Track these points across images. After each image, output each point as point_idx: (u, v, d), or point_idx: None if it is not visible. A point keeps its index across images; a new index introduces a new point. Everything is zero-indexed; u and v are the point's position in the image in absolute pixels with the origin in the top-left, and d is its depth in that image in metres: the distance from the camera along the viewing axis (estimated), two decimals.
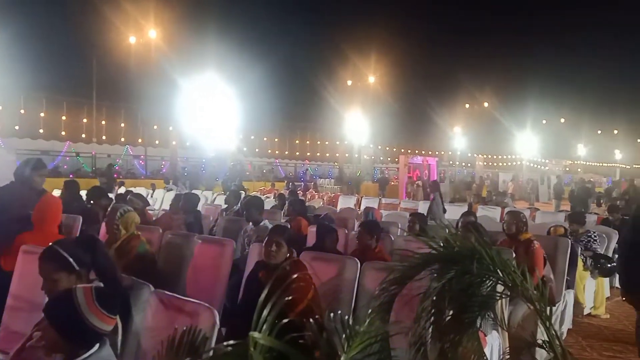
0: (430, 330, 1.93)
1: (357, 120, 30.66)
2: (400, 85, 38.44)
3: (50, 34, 30.98)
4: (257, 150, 38.65)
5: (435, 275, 1.94)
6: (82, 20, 28.51)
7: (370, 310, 1.92)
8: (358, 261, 3.69)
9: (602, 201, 16.87)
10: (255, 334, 1.36)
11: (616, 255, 6.48)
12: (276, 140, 43.72)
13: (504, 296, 2.00)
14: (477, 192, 21.47)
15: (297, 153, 43.70)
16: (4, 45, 20.01)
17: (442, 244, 1.98)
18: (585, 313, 6.22)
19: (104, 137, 32.41)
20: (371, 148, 33.03)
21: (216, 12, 34.83)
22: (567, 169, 44.41)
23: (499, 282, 1.91)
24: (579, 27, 69.85)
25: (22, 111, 30.39)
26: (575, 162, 51.05)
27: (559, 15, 70.13)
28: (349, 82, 33.07)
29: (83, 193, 7.00)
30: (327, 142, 44.21)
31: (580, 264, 5.86)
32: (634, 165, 50.94)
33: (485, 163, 38.14)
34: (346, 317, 1.64)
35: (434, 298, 1.91)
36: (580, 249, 5.97)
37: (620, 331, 5.72)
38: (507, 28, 69.53)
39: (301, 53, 45.79)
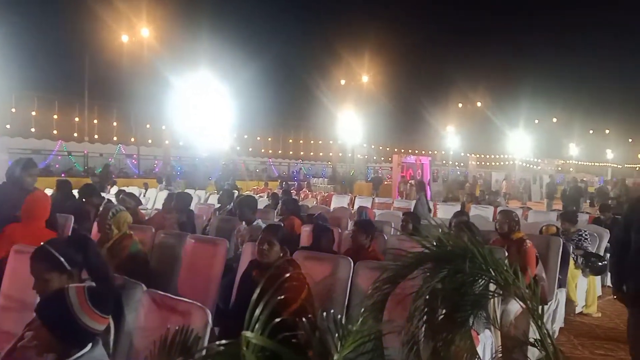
0: (423, 329, 1.93)
1: (351, 120, 30.66)
2: (393, 85, 38.53)
3: (42, 32, 30.79)
4: (250, 149, 38.56)
5: (428, 274, 1.94)
6: (74, 18, 28.39)
7: (363, 309, 1.93)
8: (351, 260, 3.69)
9: (595, 201, 16.99)
10: (248, 334, 1.35)
11: (607, 254, 6.52)
12: (269, 139, 43.63)
13: (496, 295, 2.00)
14: (470, 191, 21.51)
15: (291, 152, 43.65)
16: None
17: (435, 243, 1.99)
18: (577, 312, 6.26)
19: (96, 136, 32.20)
20: (364, 147, 33.07)
21: (209, 10, 34.72)
22: (560, 168, 44.66)
23: (492, 281, 1.92)
24: (572, 28, 70.23)
25: (14, 110, 30.14)
26: (568, 161, 51.33)
27: (553, 16, 70.46)
28: (343, 82, 33.09)
29: (75, 193, 6.97)
30: (320, 142, 44.20)
31: (571, 262, 5.90)
32: (626, 165, 51.29)
33: (478, 162, 38.27)
34: (339, 316, 1.64)
35: (427, 297, 1.91)
36: (571, 247, 6.00)
37: (612, 329, 5.76)
38: (501, 28, 69.79)
39: (294, 52, 45.72)
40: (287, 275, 2.91)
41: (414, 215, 6.38)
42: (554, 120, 50.99)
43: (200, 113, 23.55)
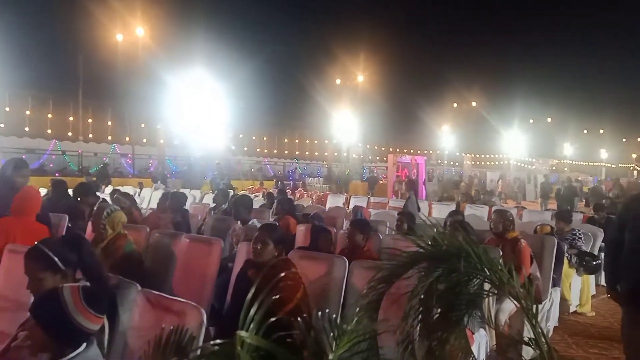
0: (417, 328, 1.93)
1: (346, 119, 30.68)
2: (389, 85, 38.57)
3: (36, 31, 30.66)
4: (245, 149, 38.53)
5: (423, 273, 1.94)
6: (68, 17, 28.27)
7: (358, 309, 1.92)
8: (346, 260, 3.69)
9: (589, 200, 17.06)
10: (243, 333, 1.35)
11: (601, 254, 6.55)
12: (265, 138, 43.62)
13: (491, 294, 2.00)
14: (465, 191, 21.58)
15: (286, 152, 43.66)
16: None
17: (429, 243, 1.99)
18: (571, 311, 6.28)
19: (90, 136, 32.14)
20: (360, 147, 33.04)
21: (204, 9, 34.66)
22: (554, 168, 44.82)
23: (486, 280, 1.92)
24: (567, 28, 70.63)
25: (7, 109, 30.01)
26: (562, 161, 51.50)
27: (548, 16, 70.74)
28: (338, 81, 33.09)
29: (70, 192, 6.94)
30: (316, 141, 44.22)
31: (565, 261, 5.92)
32: (620, 165, 51.51)
33: (473, 162, 38.35)
34: (334, 315, 1.64)
35: (422, 296, 1.91)
36: (565, 247, 6.03)
37: (606, 328, 5.78)
38: (496, 28, 70.03)
39: (290, 51, 45.71)
40: (282, 274, 2.91)
41: (409, 215, 6.39)
42: (549, 120, 51.20)
43: (196, 112, 23.51)
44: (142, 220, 6.07)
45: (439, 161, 39.18)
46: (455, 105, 43.66)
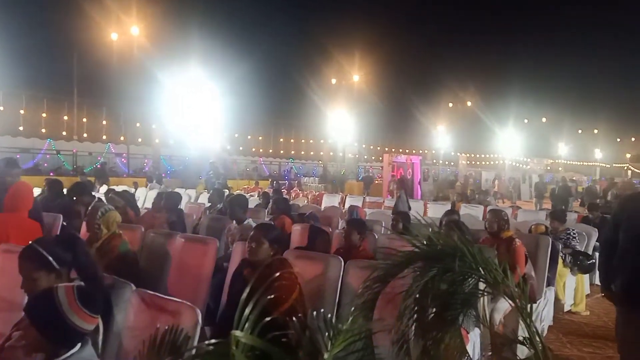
0: (413, 327, 1.93)
1: (342, 119, 30.69)
2: (384, 84, 38.65)
3: (31, 30, 30.53)
4: (241, 148, 38.50)
5: (418, 273, 1.94)
6: (63, 15, 28.15)
7: (353, 308, 1.93)
8: (342, 259, 3.69)
9: (584, 200, 17.11)
10: (237, 333, 1.35)
11: (596, 253, 6.58)
12: (260, 138, 43.59)
13: (486, 294, 2.01)
14: (461, 190, 21.61)
15: (282, 151, 43.63)
16: None
17: (425, 242, 1.99)
18: (565, 310, 6.31)
19: (85, 135, 32.01)
20: (355, 146, 33.08)
21: (200, 8, 34.56)
22: (549, 167, 44.95)
23: (481, 279, 1.93)
24: (560, 28, 70.83)
25: (1, 108, 29.87)
26: (557, 161, 51.68)
27: (542, 16, 70.90)
28: (334, 81, 33.09)
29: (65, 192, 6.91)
30: (311, 141, 44.21)
31: (560, 261, 5.94)
32: (614, 164, 51.71)
33: (468, 162, 38.44)
34: (329, 315, 1.64)
35: (417, 296, 1.92)
36: (560, 246, 6.05)
37: (600, 328, 5.81)
38: (490, 28, 70.22)
39: (286, 50, 45.72)
40: (278, 274, 2.90)
41: (404, 215, 6.40)
42: (543, 120, 51.38)
43: (191, 112, 23.46)
44: (137, 219, 6.05)
45: (434, 161, 39.18)
46: (450, 105, 43.73)
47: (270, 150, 42.94)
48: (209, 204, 8.09)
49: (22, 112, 31.88)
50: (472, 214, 9.06)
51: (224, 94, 24.87)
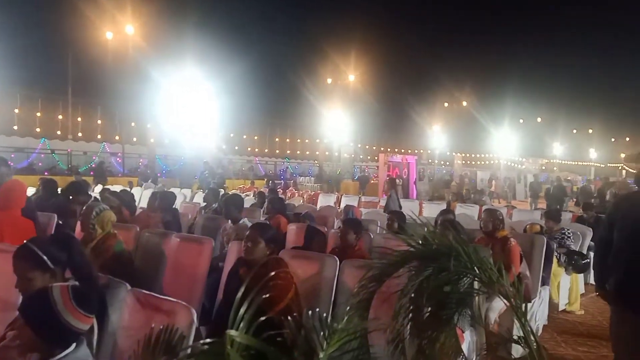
0: (408, 327, 1.94)
1: (338, 119, 30.68)
2: (380, 84, 38.68)
3: (25, 28, 30.37)
4: (236, 148, 38.44)
5: (413, 272, 1.95)
6: (58, 14, 28.03)
7: (349, 308, 1.93)
8: (337, 259, 3.69)
9: (579, 200, 17.15)
10: (232, 332, 1.35)
11: (590, 252, 6.60)
12: (256, 137, 43.54)
13: (481, 293, 2.01)
14: (457, 190, 21.66)
15: (277, 151, 43.59)
16: None
17: (420, 242, 2.00)
18: (560, 309, 6.33)
19: (80, 134, 31.88)
20: (351, 146, 33.08)
21: (195, 7, 34.52)
22: (544, 167, 45.10)
23: (476, 279, 1.93)
24: (556, 28, 71.04)
25: None
26: (552, 160, 51.87)
27: (537, 16, 71.16)
28: (329, 80, 33.08)
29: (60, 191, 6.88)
30: (307, 140, 44.19)
31: (554, 261, 5.96)
32: (608, 164, 51.93)
33: (463, 162, 38.51)
34: (325, 314, 1.64)
35: (412, 295, 1.92)
36: (555, 246, 6.07)
37: (595, 327, 5.83)
38: (486, 28, 70.36)
39: (281, 50, 45.70)
40: (273, 273, 2.90)
41: (399, 214, 6.40)
42: (539, 119, 51.50)
43: (186, 111, 23.41)
44: (132, 219, 6.03)
45: (430, 160, 39.32)
46: (446, 104, 43.79)
47: (266, 150, 42.89)
48: (204, 203, 8.08)
49: (16, 111, 31.70)
50: (468, 213, 9.08)
51: (219, 94, 24.84)
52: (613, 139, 56.95)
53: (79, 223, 4.55)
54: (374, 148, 44.83)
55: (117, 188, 9.53)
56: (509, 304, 1.90)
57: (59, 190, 6.62)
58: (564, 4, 70.98)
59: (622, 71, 66.26)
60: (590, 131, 55.94)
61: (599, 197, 17.41)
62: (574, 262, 6.24)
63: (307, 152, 43.89)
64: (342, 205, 10.53)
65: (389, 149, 36.64)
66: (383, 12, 52.70)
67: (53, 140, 27.34)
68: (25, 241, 2.56)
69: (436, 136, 40.48)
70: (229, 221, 5.44)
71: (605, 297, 3.44)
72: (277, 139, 44.96)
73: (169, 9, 30.14)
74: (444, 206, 10.13)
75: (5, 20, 24.00)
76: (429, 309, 1.97)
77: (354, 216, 6.57)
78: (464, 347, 3.41)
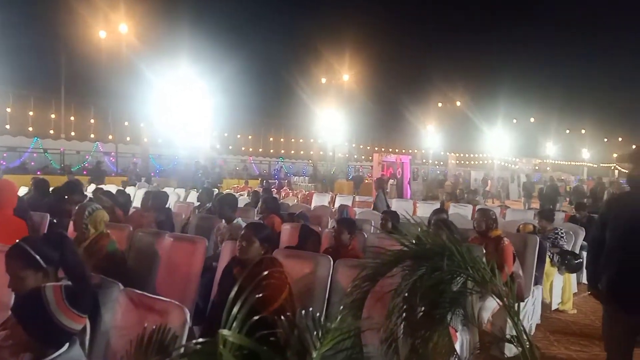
0: (401, 326, 1.94)
1: (332, 118, 30.69)
2: (374, 84, 38.71)
3: (17, 27, 30.17)
4: (230, 147, 38.39)
5: (406, 272, 1.95)
6: (51, 13, 27.87)
7: (342, 307, 1.93)
8: (331, 258, 3.69)
9: (572, 199, 17.23)
10: (225, 332, 1.34)
11: (583, 252, 6.64)
12: (250, 137, 43.49)
13: (474, 292, 2.02)
14: (451, 190, 21.73)
15: (271, 151, 43.57)
16: None
17: (414, 241, 2.00)
18: (553, 308, 6.35)
19: (72, 134, 31.74)
20: (345, 146, 33.09)
21: (189, 6, 34.43)
22: (537, 167, 45.27)
23: (469, 278, 1.93)
24: (549, 28, 71.34)
25: None
26: (545, 160, 52.07)
27: (532, 16, 71.42)
28: (324, 80, 33.07)
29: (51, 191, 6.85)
30: (301, 140, 44.18)
31: (547, 261, 5.98)
32: (601, 164, 52.19)
33: (457, 161, 38.60)
34: (318, 314, 1.64)
35: (406, 294, 1.92)
36: (548, 246, 6.09)
37: (587, 326, 5.86)
38: (480, 28, 70.55)
39: (276, 49, 45.68)
40: (267, 272, 2.90)
41: (393, 214, 6.41)
42: (532, 120, 51.69)
43: (180, 110, 23.35)
44: (125, 219, 6.01)
45: (424, 160, 39.31)
46: (439, 104, 43.86)
47: (260, 150, 42.86)
48: (198, 203, 8.06)
49: (8, 110, 31.52)
50: (461, 213, 9.10)
51: (213, 93, 24.80)
52: (606, 139, 57.24)
53: (71, 223, 4.53)
54: (368, 148, 44.90)
55: (111, 187, 9.50)
56: (502, 303, 1.91)
57: (51, 190, 6.59)
58: (557, 5, 71.35)
59: (615, 72, 66.63)
60: (583, 131, 56.23)
61: (592, 197, 17.50)
62: (567, 262, 6.27)
63: (302, 152, 43.89)
64: (336, 204, 10.53)
65: (383, 149, 36.73)
66: (377, 12, 52.73)
67: (46, 140, 27.22)
68: (17, 240, 2.54)
69: (430, 136, 40.57)
70: (223, 221, 5.42)
71: (597, 296, 3.45)
72: (271, 139, 44.94)
73: (162, 8, 30.02)
74: (437, 206, 10.16)
75: None
76: (423, 308, 1.97)
77: (348, 216, 6.57)
78: (457, 346, 3.41)
